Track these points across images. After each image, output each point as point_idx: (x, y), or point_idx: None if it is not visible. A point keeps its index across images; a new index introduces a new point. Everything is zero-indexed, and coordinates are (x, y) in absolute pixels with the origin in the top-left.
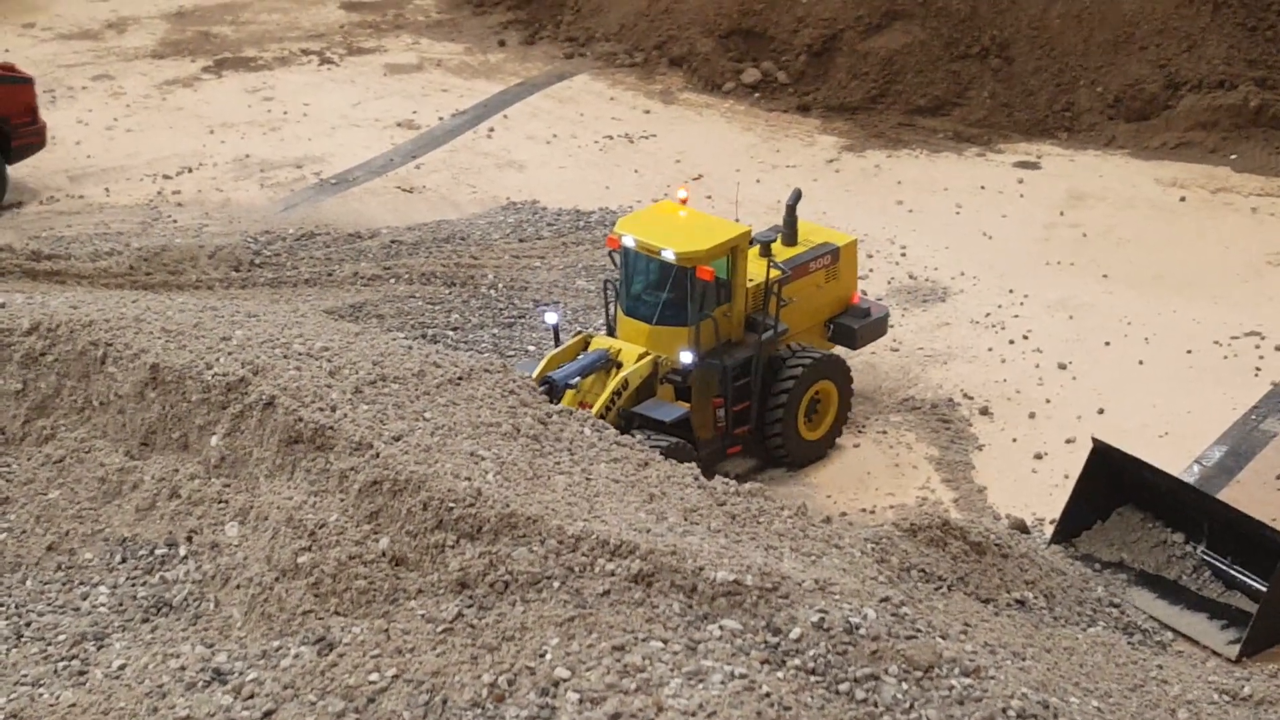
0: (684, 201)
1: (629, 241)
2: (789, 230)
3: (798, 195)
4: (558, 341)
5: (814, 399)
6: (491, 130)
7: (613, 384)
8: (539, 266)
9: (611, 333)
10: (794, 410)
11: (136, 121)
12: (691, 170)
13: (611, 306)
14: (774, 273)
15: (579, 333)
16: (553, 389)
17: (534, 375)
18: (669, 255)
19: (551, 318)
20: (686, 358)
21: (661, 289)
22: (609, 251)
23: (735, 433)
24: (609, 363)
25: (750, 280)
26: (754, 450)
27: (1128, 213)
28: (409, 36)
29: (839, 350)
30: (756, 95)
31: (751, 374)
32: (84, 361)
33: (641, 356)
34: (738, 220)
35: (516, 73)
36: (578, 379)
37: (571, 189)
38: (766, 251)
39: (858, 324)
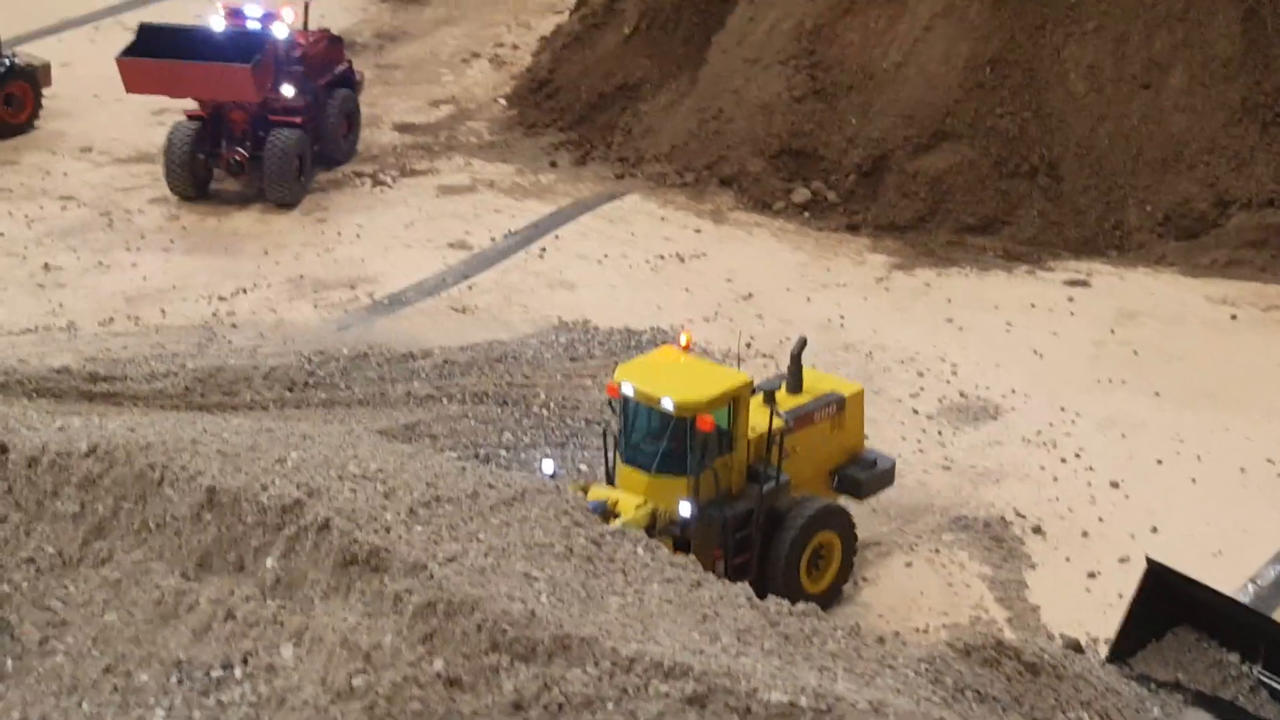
0: (686, 348)
1: (628, 390)
2: (794, 379)
3: (803, 343)
4: None
5: (817, 551)
6: (543, 250)
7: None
8: (590, 386)
9: (611, 481)
10: (795, 563)
11: (192, 243)
12: (743, 289)
13: (611, 455)
14: (777, 423)
15: (576, 481)
16: None
17: None
18: (668, 405)
19: (549, 466)
20: (686, 509)
21: (661, 438)
22: (608, 400)
23: None
24: (606, 513)
25: (752, 430)
26: None
27: (1179, 330)
28: (461, 158)
29: (844, 500)
30: (806, 214)
31: (752, 526)
32: (141, 484)
33: (639, 506)
34: (738, 361)
35: (568, 193)
36: None
37: (623, 308)
38: (770, 400)
39: (864, 474)
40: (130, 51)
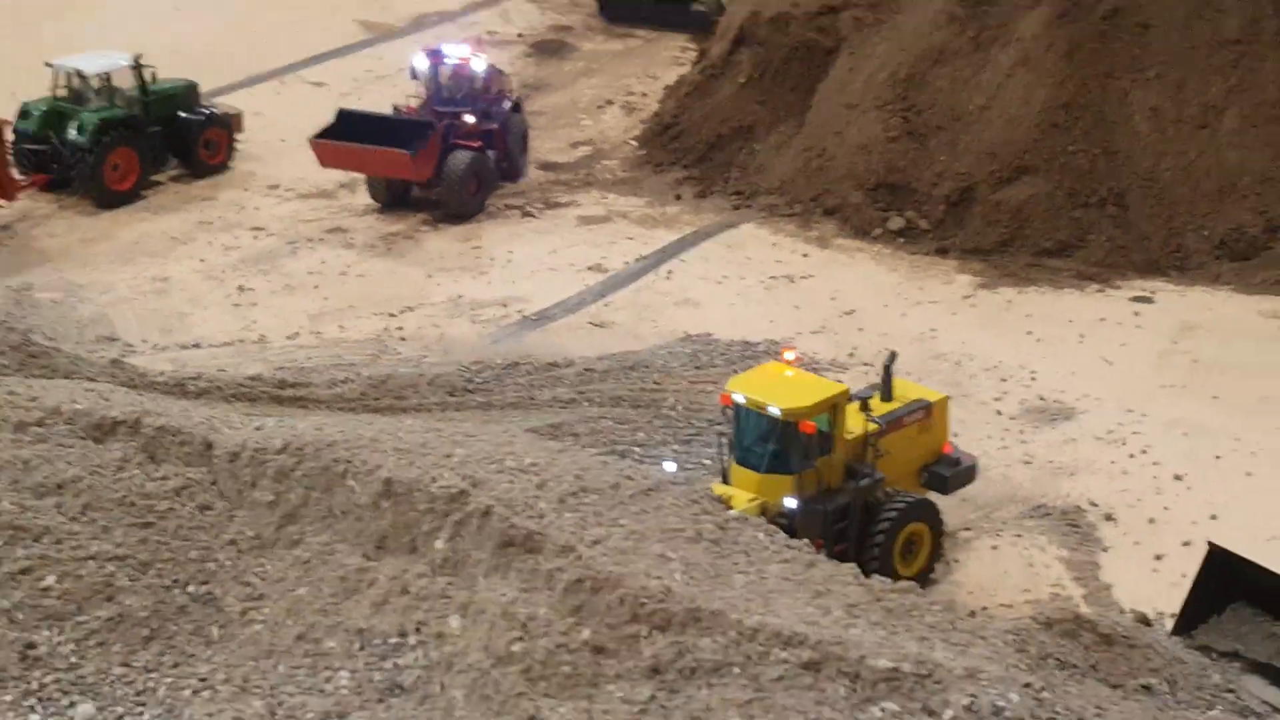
0: (791, 363)
1: (740, 399)
2: (885, 388)
3: (893, 357)
4: None
5: (908, 539)
6: (670, 272)
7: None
8: (713, 390)
9: (726, 480)
10: (890, 550)
11: (366, 268)
12: (845, 306)
13: (725, 457)
14: (871, 426)
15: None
16: None
17: None
18: (775, 411)
19: (670, 467)
20: (791, 503)
21: (769, 441)
22: (722, 408)
23: None
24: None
25: (850, 433)
26: None
27: (1234, 342)
28: (598, 192)
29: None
30: (901, 240)
31: (850, 518)
32: (327, 476)
33: (751, 501)
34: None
35: (691, 223)
36: None
37: (740, 323)
38: (865, 407)
39: (949, 472)
40: (324, 134)
